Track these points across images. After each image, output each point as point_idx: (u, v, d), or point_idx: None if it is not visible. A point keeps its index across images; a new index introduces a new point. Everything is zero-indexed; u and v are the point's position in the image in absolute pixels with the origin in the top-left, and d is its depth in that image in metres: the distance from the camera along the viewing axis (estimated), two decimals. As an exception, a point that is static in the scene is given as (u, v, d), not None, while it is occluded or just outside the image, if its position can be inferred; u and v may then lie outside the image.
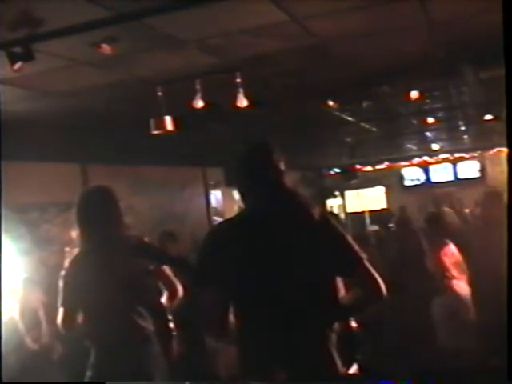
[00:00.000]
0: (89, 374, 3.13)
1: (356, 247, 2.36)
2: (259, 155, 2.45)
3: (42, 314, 4.43)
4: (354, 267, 2.33)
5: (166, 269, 3.28)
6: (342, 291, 2.36)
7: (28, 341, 4.27)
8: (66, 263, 3.27)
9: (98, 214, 3.22)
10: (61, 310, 3.21)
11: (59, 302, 3.22)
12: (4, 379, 3.29)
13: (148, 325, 3.17)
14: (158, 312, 3.25)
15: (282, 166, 2.45)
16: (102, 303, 3.10)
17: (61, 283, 3.22)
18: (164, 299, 3.30)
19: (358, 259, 2.33)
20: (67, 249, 3.39)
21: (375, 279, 2.31)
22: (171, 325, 3.30)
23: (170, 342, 3.29)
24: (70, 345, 4.14)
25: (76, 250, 3.27)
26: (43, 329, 4.41)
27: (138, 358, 3.08)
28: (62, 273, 3.24)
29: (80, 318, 3.21)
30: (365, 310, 2.42)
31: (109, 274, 3.11)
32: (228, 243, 2.37)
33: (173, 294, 3.28)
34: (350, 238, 2.38)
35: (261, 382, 2.29)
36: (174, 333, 3.32)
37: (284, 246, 2.31)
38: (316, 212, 2.39)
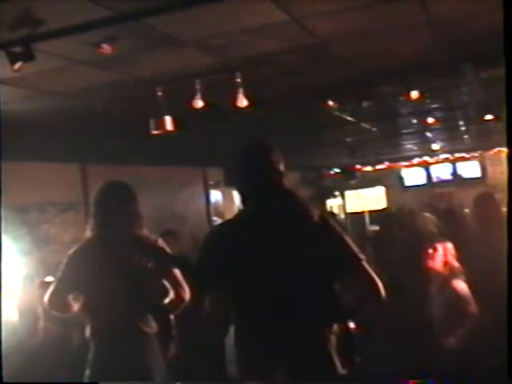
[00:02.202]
0: (87, 372, 3.11)
1: (355, 248, 2.36)
2: (258, 156, 2.45)
3: (40, 312, 4.42)
4: (353, 269, 2.33)
5: (176, 271, 3.26)
6: (341, 292, 2.36)
7: (27, 340, 4.27)
8: (75, 246, 3.25)
9: (115, 206, 3.20)
10: (52, 287, 3.19)
11: (55, 279, 3.21)
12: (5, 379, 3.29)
13: (148, 325, 3.16)
14: (160, 313, 3.23)
15: (281, 167, 2.45)
16: (102, 297, 3.08)
17: (63, 262, 3.21)
18: (169, 300, 3.28)
19: (357, 261, 2.33)
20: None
21: (374, 281, 2.31)
22: (172, 326, 3.27)
23: (169, 343, 3.27)
24: (70, 343, 4.14)
25: (87, 236, 3.26)
26: (41, 327, 4.40)
27: (137, 357, 3.06)
28: (69, 252, 3.23)
29: (69, 303, 3.19)
30: (364, 312, 2.41)
31: (112, 269, 3.09)
32: (228, 244, 2.37)
33: (180, 297, 3.25)
34: (349, 240, 2.38)
35: (261, 382, 2.28)
36: (174, 334, 3.31)
37: (284, 246, 2.30)
38: (315, 213, 2.39)
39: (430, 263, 4.18)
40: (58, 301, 3.19)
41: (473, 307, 4.01)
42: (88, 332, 3.17)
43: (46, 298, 3.20)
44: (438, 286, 4.19)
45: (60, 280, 3.19)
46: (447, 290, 4.08)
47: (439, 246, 4.22)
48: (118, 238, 3.14)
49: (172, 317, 3.32)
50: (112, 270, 3.08)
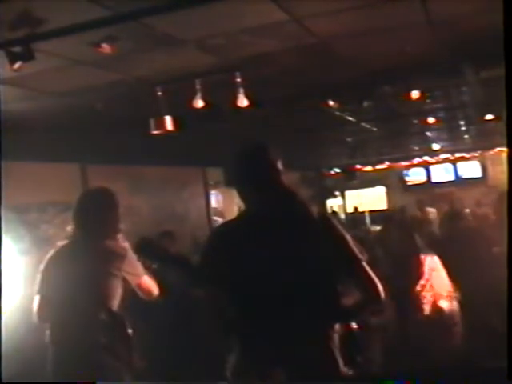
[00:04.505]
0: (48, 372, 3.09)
1: (356, 249, 2.36)
2: (257, 156, 2.45)
3: None
4: (353, 269, 2.33)
5: (147, 280, 3.26)
6: (342, 292, 2.36)
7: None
8: (50, 253, 3.26)
9: (91, 215, 3.21)
10: (37, 302, 3.19)
11: (36, 289, 3.21)
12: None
13: (108, 329, 3.09)
14: (119, 317, 3.17)
15: (281, 167, 2.44)
16: (67, 302, 3.08)
17: (40, 270, 3.22)
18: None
19: (357, 261, 2.33)
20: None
21: (373, 282, 2.31)
22: (129, 330, 3.21)
23: (129, 347, 3.20)
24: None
25: (63, 243, 3.26)
26: None
27: (96, 360, 3.02)
28: (43, 263, 3.24)
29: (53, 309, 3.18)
30: (364, 312, 2.41)
31: (79, 274, 3.09)
32: (230, 245, 2.37)
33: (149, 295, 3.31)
34: (350, 240, 2.37)
35: (261, 382, 2.28)
36: (132, 337, 3.25)
37: (285, 246, 2.30)
38: (316, 213, 2.39)
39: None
40: (47, 313, 3.18)
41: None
42: (50, 330, 3.15)
43: (35, 312, 3.20)
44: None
45: (41, 293, 3.19)
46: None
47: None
48: (87, 242, 3.15)
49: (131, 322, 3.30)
50: (76, 276, 3.08)
